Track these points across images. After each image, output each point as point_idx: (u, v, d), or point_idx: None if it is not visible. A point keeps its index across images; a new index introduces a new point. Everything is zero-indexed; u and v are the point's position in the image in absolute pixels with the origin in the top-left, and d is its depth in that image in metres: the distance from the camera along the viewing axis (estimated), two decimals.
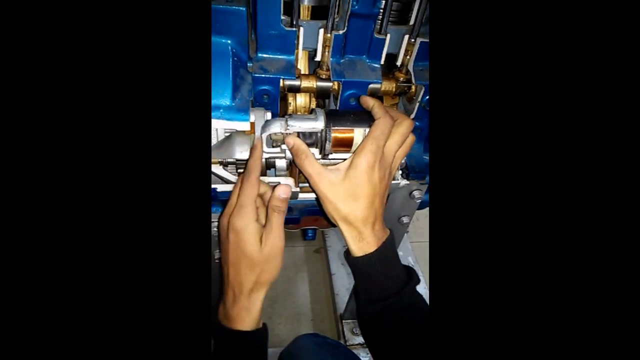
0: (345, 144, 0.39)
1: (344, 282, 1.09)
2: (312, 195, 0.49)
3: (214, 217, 0.49)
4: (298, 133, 0.42)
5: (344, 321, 0.98)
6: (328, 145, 0.40)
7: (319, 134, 0.41)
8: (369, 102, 0.43)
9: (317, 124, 0.40)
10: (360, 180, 0.39)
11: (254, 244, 0.39)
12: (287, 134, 0.41)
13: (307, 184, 0.48)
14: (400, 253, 1.20)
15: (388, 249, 0.42)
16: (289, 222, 0.59)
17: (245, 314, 0.41)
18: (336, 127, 0.39)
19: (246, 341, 0.42)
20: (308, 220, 0.67)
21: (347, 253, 0.43)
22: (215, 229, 0.48)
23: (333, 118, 0.40)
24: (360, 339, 0.95)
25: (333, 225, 0.75)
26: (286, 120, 0.40)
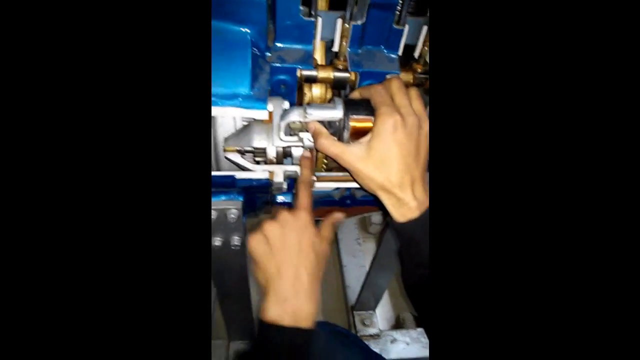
0: (362, 133, 0.40)
1: (355, 274, 1.10)
2: (327, 185, 0.50)
3: (215, 205, 0.49)
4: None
5: (355, 312, 0.99)
6: (346, 134, 0.40)
7: (337, 123, 0.41)
8: (354, 93, 0.44)
9: (336, 113, 0.40)
10: (386, 145, 0.38)
11: (317, 239, 0.42)
12: (306, 122, 0.41)
13: (323, 174, 0.49)
14: None
15: None
16: None
17: (312, 316, 0.41)
18: (354, 116, 0.39)
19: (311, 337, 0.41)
20: (321, 211, 0.67)
21: (390, 218, 0.42)
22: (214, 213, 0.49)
23: (352, 107, 0.40)
24: (371, 330, 0.96)
25: (347, 217, 0.76)
26: (305, 109, 0.41)
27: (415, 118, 0.39)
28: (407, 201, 0.39)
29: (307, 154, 0.46)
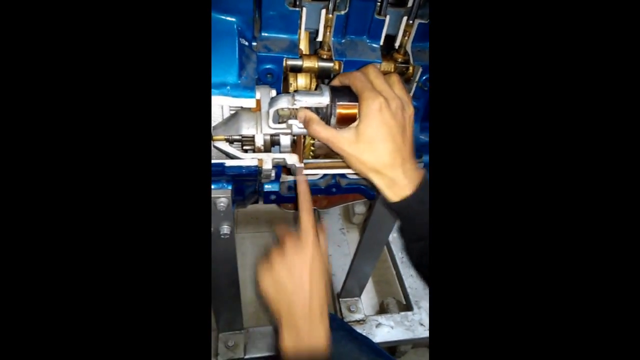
0: (349, 120, 0.41)
1: (340, 263, 1.12)
2: (314, 172, 0.51)
3: (215, 193, 0.50)
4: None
5: (340, 299, 1.02)
6: (333, 120, 0.41)
7: (324, 110, 0.43)
8: (334, 81, 0.45)
9: (323, 99, 0.41)
10: (373, 126, 0.39)
11: (323, 262, 0.43)
12: (294, 109, 0.43)
13: (311, 161, 0.50)
14: (394, 235, 1.21)
15: (425, 192, 0.42)
16: (288, 201, 0.61)
17: (326, 338, 0.42)
18: (341, 103, 0.41)
19: None
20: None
21: (384, 200, 0.43)
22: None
23: (338, 93, 0.41)
24: (356, 316, 0.98)
25: (331, 205, 0.77)
26: (293, 96, 0.42)
27: (398, 100, 0.41)
28: (398, 180, 0.41)
29: (302, 179, 0.46)
